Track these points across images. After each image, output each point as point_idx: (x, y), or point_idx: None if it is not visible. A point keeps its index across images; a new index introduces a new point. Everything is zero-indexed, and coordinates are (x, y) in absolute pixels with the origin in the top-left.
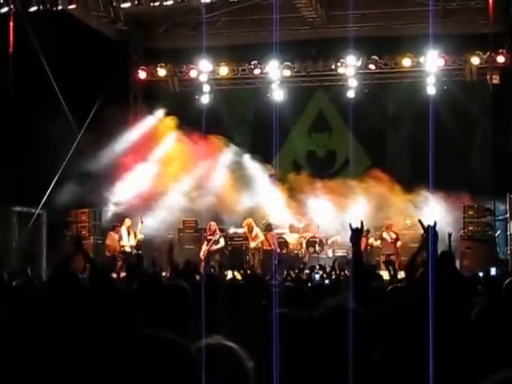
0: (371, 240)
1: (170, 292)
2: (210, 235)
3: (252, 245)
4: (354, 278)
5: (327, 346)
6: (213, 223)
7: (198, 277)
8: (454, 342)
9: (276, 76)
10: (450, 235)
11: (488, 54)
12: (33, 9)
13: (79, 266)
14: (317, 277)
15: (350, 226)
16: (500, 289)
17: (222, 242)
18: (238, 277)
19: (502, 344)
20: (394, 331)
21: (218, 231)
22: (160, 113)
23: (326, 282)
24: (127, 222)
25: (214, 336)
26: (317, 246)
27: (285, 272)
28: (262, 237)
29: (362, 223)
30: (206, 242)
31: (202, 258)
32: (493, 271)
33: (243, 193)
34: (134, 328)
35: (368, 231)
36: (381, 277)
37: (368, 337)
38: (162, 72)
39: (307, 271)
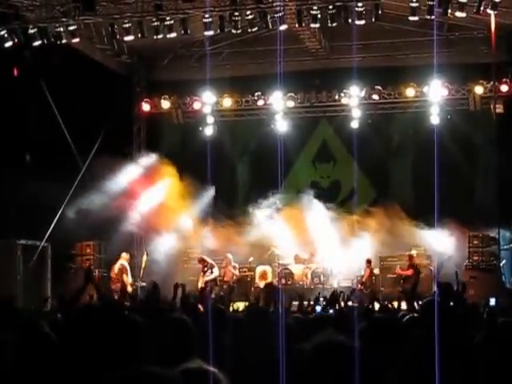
0: (376, 270)
1: (171, 325)
2: (204, 266)
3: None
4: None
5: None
6: (201, 255)
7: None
8: (458, 373)
9: (279, 107)
10: (457, 274)
11: (491, 83)
12: (37, 43)
13: (84, 299)
14: (318, 309)
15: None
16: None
17: (215, 272)
18: (241, 308)
19: (505, 376)
20: (397, 364)
21: (208, 261)
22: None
23: (331, 311)
24: (124, 255)
25: (196, 360)
26: (322, 276)
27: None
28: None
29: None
30: (202, 274)
31: (200, 289)
32: (492, 302)
33: (248, 225)
34: (139, 362)
35: (370, 261)
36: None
37: (356, 372)
38: (165, 104)
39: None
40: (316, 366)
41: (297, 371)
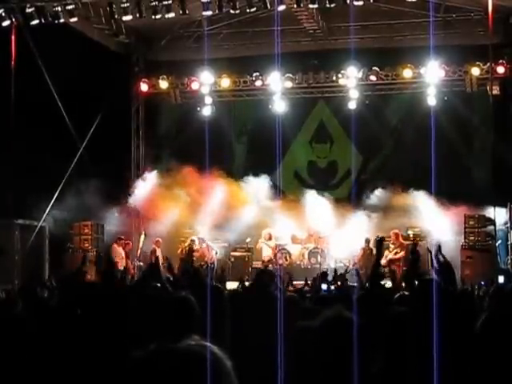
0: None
1: (175, 304)
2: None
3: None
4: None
5: (326, 357)
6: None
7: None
8: (459, 353)
9: (277, 87)
10: (439, 247)
11: (488, 64)
12: (34, 22)
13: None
14: (324, 286)
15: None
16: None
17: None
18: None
19: (507, 355)
20: (395, 341)
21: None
22: None
23: (333, 287)
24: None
25: (193, 337)
26: (319, 256)
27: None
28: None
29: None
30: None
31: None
32: (501, 279)
33: (245, 205)
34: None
35: (368, 241)
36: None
37: (367, 348)
38: (163, 84)
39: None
40: (324, 341)
41: (303, 347)
